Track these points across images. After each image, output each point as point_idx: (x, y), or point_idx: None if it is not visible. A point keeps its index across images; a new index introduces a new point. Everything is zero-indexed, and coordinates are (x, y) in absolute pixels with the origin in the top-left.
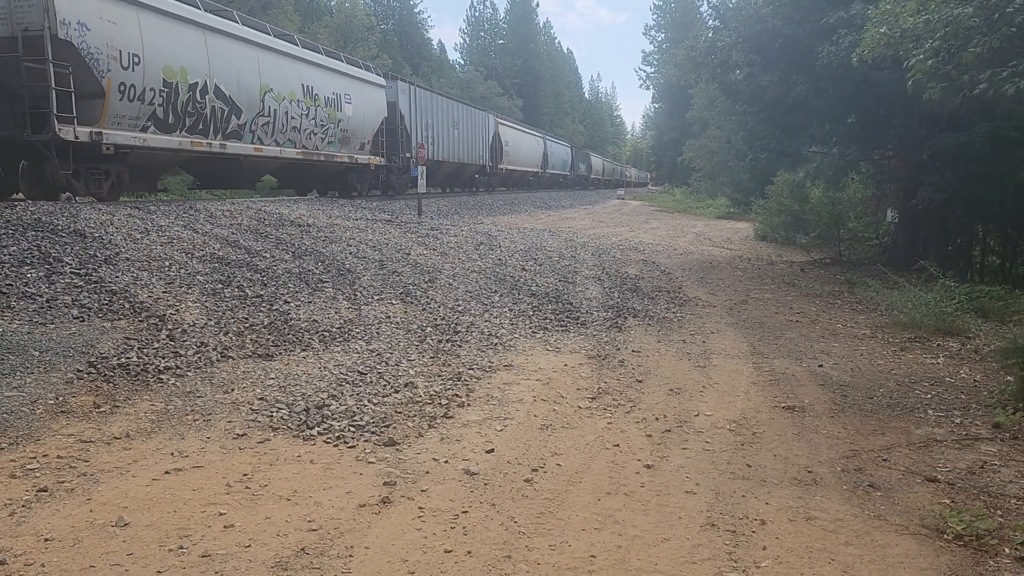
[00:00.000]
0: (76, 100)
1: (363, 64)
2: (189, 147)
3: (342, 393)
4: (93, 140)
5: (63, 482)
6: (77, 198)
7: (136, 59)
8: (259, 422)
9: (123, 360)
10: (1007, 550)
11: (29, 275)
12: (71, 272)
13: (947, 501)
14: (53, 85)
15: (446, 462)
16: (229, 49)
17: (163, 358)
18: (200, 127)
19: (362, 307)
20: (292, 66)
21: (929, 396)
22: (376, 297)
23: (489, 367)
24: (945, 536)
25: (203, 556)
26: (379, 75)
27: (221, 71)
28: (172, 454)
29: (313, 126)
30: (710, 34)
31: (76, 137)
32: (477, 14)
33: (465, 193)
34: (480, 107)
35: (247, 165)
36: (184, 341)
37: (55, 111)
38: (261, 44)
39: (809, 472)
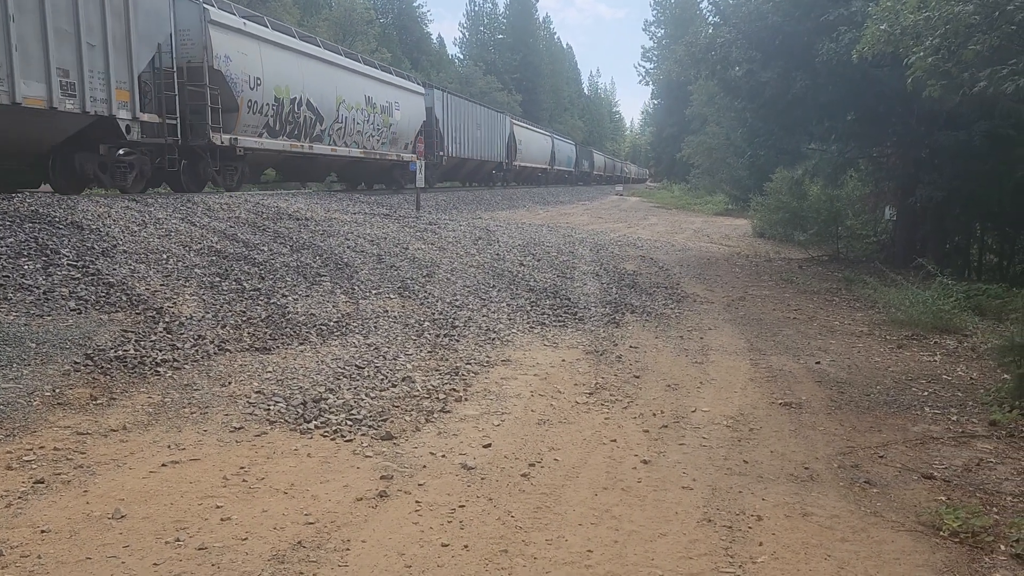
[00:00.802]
0: (221, 114)
1: (407, 76)
2: (288, 148)
3: (340, 387)
4: (231, 144)
5: (60, 474)
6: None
7: (258, 81)
8: (256, 415)
9: (120, 352)
10: (1003, 547)
11: (26, 267)
12: (68, 264)
13: (943, 498)
14: (208, 104)
15: (443, 456)
16: (315, 69)
17: (160, 351)
18: (295, 132)
19: (360, 301)
20: (357, 80)
21: (926, 393)
22: (374, 291)
23: (487, 362)
24: (941, 533)
25: (200, 549)
26: (419, 84)
27: (310, 88)
28: (169, 447)
29: (372, 130)
30: (710, 30)
31: (222, 142)
32: (477, 9)
33: (464, 188)
34: (498, 109)
35: (323, 162)
36: (181, 334)
37: (210, 123)
38: (335, 63)
39: (806, 468)
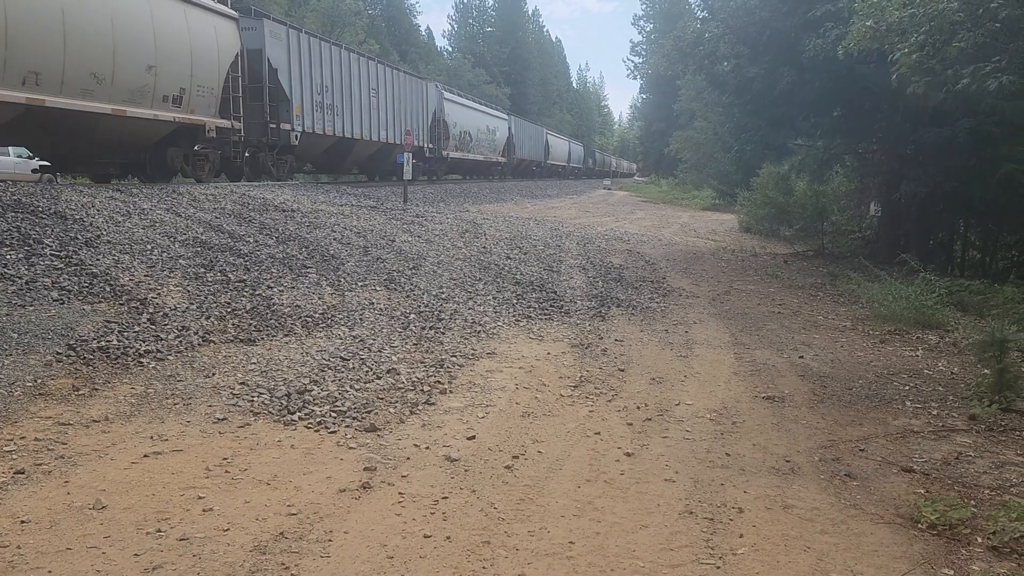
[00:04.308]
0: (444, 140)
1: (500, 108)
2: (460, 157)
3: (324, 379)
4: (446, 155)
5: (40, 464)
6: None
7: (456, 123)
8: (240, 407)
9: (103, 343)
10: (980, 539)
11: (8, 256)
12: (51, 254)
13: (922, 491)
14: (440, 136)
15: (427, 448)
16: (468, 112)
17: (144, 342)
18: (462, 148)
19: (345, 293)
20: (483, 116)
21: (907, 388)
22: (360, 283)
23: (472, 355)
24: (919, 525)
25: (181, 539)
26: (504, 112)
27: (467, 123)
28: (151, 438)
29: (487, 143)
30: (698, 25)
31: (443, 155)
32: (466, 1)
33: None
34: (538, 123)
35: (468, 164)
36: (165, 325)
37: (440, 145)
38: (476, 108)
39: (787, 461)
